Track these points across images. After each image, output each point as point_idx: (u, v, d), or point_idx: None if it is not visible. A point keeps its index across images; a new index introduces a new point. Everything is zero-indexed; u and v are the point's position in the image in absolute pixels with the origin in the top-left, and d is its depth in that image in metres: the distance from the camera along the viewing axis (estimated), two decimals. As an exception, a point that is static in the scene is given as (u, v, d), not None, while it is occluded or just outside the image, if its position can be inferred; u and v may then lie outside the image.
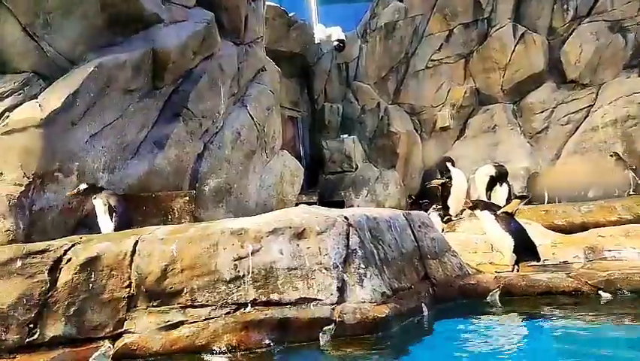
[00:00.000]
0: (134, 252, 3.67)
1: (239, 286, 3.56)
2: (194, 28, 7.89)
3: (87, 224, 5.93)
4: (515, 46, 14.53)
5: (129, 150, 7.12)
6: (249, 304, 3.52)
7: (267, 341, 3.37)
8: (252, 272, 3.58)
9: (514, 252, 5.04)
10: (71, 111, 6.23)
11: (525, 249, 5.07)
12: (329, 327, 3.39)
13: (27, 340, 3.41)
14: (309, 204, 10.77)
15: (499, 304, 4.32)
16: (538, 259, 5.12)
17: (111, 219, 5.29)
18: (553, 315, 3.99)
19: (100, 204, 5.34)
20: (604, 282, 4.25)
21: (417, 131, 15.06)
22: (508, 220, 5.13)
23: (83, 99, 6.34)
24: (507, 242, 5.07)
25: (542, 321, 3.95)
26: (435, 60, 15.20)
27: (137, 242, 3.72)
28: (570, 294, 4.27)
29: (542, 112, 14.49)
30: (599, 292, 4.21)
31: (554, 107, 14.38)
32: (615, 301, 4.12)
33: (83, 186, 5.51)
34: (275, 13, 13.02)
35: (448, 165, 7.92)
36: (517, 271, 4.96)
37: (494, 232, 5.16)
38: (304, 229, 3.76)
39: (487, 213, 5.17)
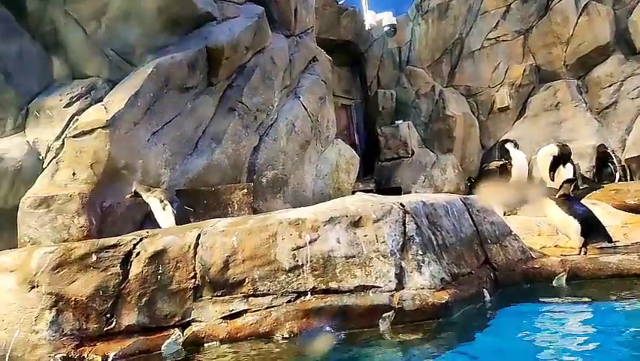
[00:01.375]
0: (197, 244, 3.82)
1: (298, 275, 3.64)
2: (245, 23, 8.05)
3: (153, 218, 6.19)
4: (578, 18, 13.85)
5: (188, 146, 7.39)
6: (309, 293, 3.59)
7: (327, 328, 3.43)
8: (311, 261, 3.65)
9: (581, 234, 4.86)
10: (133, 111, 6.52)
11: (593, 230, 4.88)
12: (388, 314, 3.41)
13: (105, 328, 3.62)
14: (366, 191, 10.77)
15: (566, 288, 4.19)
16: (610, 240, 4.91)
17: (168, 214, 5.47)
18: (625, 299, 3.82)
19: (155, 202, 5.55)
20: (679, 263, 4.03)
21: (474, 113, 14.69)
22: (571, 203, 4.95)
23: (143, 99, 6.62)
24: (573, 225, 4.89)
25: (613, 305, 3.79)
26: (491, 39, 14.74)
27: (199, 235, 3.87)
28: (643, 276, 4.08)
29: (610, 86, 13.77)
30: (674, 273, 4.00)
31: (623, 81, 13.63)
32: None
33: (135, 187, 5.77)
34: (324, 2, 13.02)
35: (509, 146, 7.68)
36: (585, 253, 4.78)
37: (558, 217, 4.99)
38: (360, 217, 3.78)
39: (548, 200, 5.01)
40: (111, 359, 3.45)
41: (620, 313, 3.64)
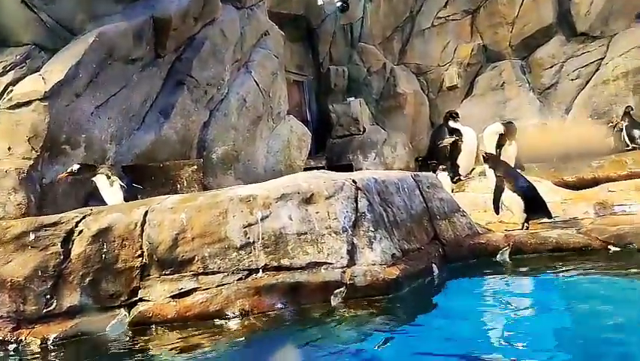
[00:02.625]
0: (144, 222, 3.70)
1: (250, 253, 3.60)
2: (194, -8, 7.76)
3: (97, 196, 5.96)
4: (524, -1, 14.17)
5: (135, 121, 7.13)
6: (261, 270, 3.56)
7: (279, 305, 3.42)
8: (262, 238, 3.61)
9: (524, 210, 5.01)
10: (75, 83, 6.21)
11: (535, 207, 5.05)
12: (340, 290, 3.43)
13: (45, 310, 3.48)
14: (318, 168, 10.78)
15: (509, 263, 4.34)
16: (550, 216, 5.10)
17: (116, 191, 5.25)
18: (563, 271, 3.99)
19: (103, 180, 5.30)
20: (614, 237, 4.23)
21: (424, 91, 14.87)
22: (516, 179, 5.09)
23: (85, 70, 6.31)
24: (516, 201, 5.04)
25: (551, 278, 3.95)
26: (441, 18, 14.86)
27: (146, 212, 3.75)
28: (580, 250, 4.26)
29: (552, 67, 14.22)
30: (609, 247, 4.20)
31: (564, 62, 14.10)
32: (624, 255, 4.11)
33: (76, 166, 5.46)
34: (276, -26, 12.73)
35: (455, 124, 7.80)
36: (527, 229, 4.95)
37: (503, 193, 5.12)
38: (312, 194, 3.76)
39: (494, 173, 5.13)
40: (51, 341, 3.32)
41: (556, 285, 3.81)
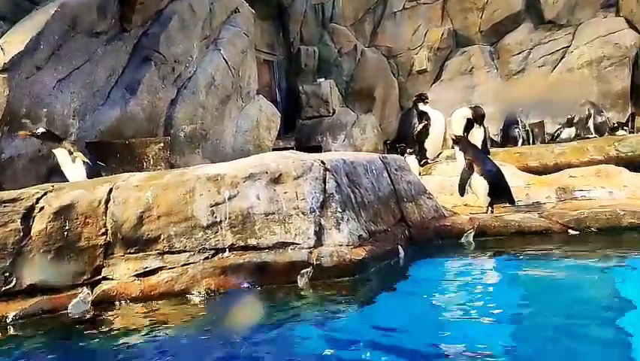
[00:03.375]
0: (108, 199, 3.62)
1: (216, 232, 3.57)
2: (162, -35, 7.56)
3: (59, 172, 5.81)
4: (494, -16, 14.31)
5: (99, 96, 6.96)
6: (227, 250, 3.54)
7: (245, 285, 3.41)
8: (229, 218, 3.58)
9: (488, 194, 5.10)
10: (36, 55, 6.01)
11: (499, 192, 5.14)
12: (307, 270, 3.44)
13: (3, 288, 3.39)
14: (286, 149, 10.73)
15: (473, 245, 4.43)
16: (513, 202, 5.21)
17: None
18: (523, 254, 4.10)
19: (65, 155, 5.13)
20: (574, 221, 4.37)
21: (394, 74, 14.94)
22: (485, 163, 5.17)
23: (47, 42, 6.10)
24: (482, 184, 5.12)
25: (512, 260, 4.06)
26: (412, 1, 14.90)
27: (111, 190, 3.67)
28: (541, 233, 4.38)
29: (519, 53, 14.46)
30: (569, 230, 4.33)
31: (531, 49, 14.36)
32: (582, 238, 4.25)
33: (41, 130, 5.25)
34: (247, -51, 12.47)
35: (424, 107, 7.85)
36: (492, 212, 5.05)
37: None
38: (281, 174, 3.74)
39: (463, 156, 5.20)
40: (10, 319, 3.24)
41: (516, 266, 3.91)
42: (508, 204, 5.24)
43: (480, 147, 6.25)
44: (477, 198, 5.27)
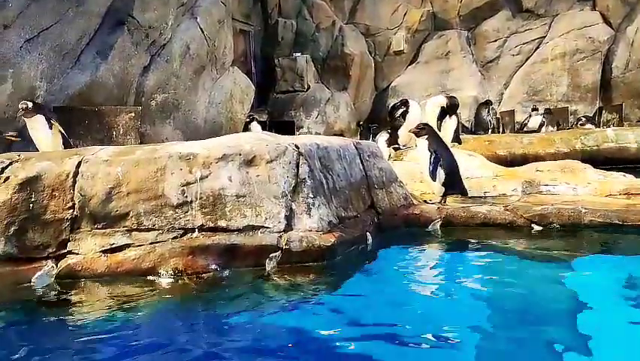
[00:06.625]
0: (76, 173, 3.55)
1: (186, 212, 3.54)
2: None
3: (25, 135, 5.64)
4: (475, -30, 14.32)
5: (69, 59, 6.74)
6: (196, 230, 3.52)
7: (213, 266, 3.41)
8: (200, 198, 3.56)
9: (443, 184, 5.19)
10: (3, 12, 5.77)
11: (454, 183, 5.23)
12: (275, 254, 3.46)
13: (-36, 258, 3.32)
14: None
15: (440, 234, 4.52)
16: (465, 194, 5.31)
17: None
18: (487, 245, 4.22)
19: (42, 121, 4.96)
20: (538, 216, 4.49)
21: (371, 53, 14.89)
22: (444, 153, 5.23)
23: (15, 0, 5.85)
24: (439, 175, 5.17)
25: (475, 250, 4.18)
26: (394, -20, 14.79)
27: (79, 163, 3.59)
28: (506, 226, 4.49)
29: (495, 41, 14.58)
30: (533, 225, 4.46)
31: (507, 37, 14.50)
32: (545, 234, 4.38)
33: (29, 104, 5.03)
34: None
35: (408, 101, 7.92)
36: (444, 202, 5.13)
37: (427, 164, 5.24)
38: (254, 156, 3.72)
39: (426, 144, 5.24)
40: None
41: (478, 257, 4.04)
42: (460, 195, 5.34)
43: (452, 136, 6.34)
44: (432, 187, 5.33)
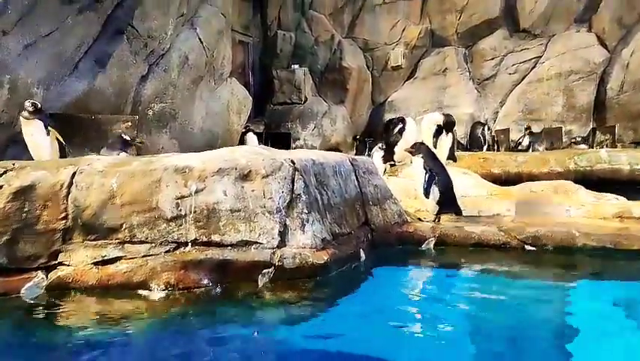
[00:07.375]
0: (71, 183, 3.54)
1: (180, 225, 3.53)
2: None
3: (20, 141, 5.62)
4: (474, -12, 14.45)
5: (67, 66, 6.74)
6: (190, 244, 3.51)
7: (205, 281, 3.39)
8: (194, 212, 3.55)
9: (437, 203, 5.21)
10: (2, 18, 5.77)
11: (448, 202, 5.27)
12: (268, 270, 3.44)
13: (-46, 267, 3.28)
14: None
15: (434, 253, 4.52)
16: (459, 213, 5.33)
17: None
18: (479, 267, 4.20)
19: (40, 126, 4.94)
20: (531, 238, 4.49)
21: (369, 68, 14.95)
22: (441, 172, 5.27)
23: (14, 6, 5.90)
24: (434, 193, 5.20)
25: (468, 272, 4.17)
26: (393, -5, 14.91)
27: (74, 173, 3.58)
28: (499, 247, 4.49)
29: (492, 59, 14.68)
30: (526, 246, 4.46)
31: (504, 55, 14.60)
32: (538, 255, 4.38)
33: (38, 105, 5.02)
34: None
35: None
36: (439, 221, 5.14)
37: (422, 182, 5.28)
38: (250, 171, 3.71)
39: (421, 163, 5.29)
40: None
41: (470, 278, 4.02)
42: (455, 214, 5.36)
43: (447, 153, 6.36)
44: (426, 205, 5.36)
